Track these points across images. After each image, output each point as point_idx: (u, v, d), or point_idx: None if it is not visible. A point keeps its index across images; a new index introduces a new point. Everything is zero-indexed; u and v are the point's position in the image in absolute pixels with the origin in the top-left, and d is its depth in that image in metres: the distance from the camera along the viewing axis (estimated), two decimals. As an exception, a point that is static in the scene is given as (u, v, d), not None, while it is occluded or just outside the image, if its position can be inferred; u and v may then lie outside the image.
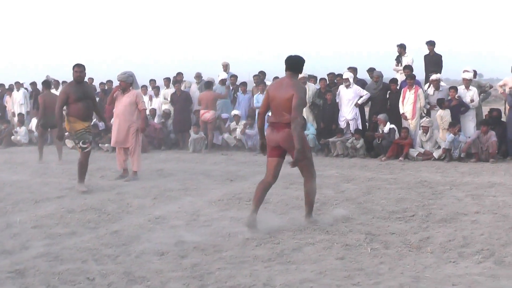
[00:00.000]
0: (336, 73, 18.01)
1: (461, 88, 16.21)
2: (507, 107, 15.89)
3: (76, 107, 11.20)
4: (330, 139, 16.51)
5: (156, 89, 20.97)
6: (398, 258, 6.59)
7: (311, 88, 17.46)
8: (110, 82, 21.56)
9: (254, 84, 19.31)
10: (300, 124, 7.76)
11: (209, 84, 19.00)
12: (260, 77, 19.22)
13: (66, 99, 11.22)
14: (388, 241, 7.26)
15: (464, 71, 16.38)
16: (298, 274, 6.08)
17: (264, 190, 8.30)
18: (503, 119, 16.04)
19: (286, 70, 8.05)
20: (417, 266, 6.29)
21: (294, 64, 8.04)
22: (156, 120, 19.71)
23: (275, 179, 8.40)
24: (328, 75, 18.21)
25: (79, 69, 11.32)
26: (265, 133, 8.34)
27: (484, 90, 17.14)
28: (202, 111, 18.52)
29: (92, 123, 12.42)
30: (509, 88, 15.72)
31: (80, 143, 11.33)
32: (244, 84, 19.56)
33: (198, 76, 20.42)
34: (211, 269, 6.30)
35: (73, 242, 7.48)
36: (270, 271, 6.18)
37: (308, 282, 5.81)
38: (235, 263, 6.53)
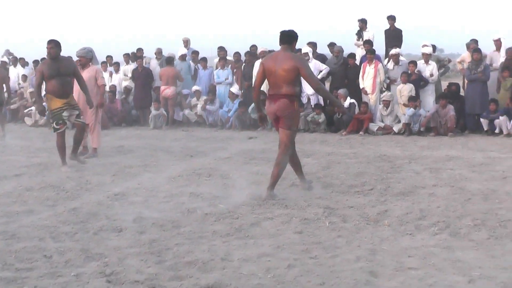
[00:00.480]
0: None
1: (421, 63, 16.33)
2: (466, 81, 16.03)
3: (50, 84, 10.94)
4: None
5: (116, 65, 20.74)
6: (356, 231, 6.65)
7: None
8: (69, 57, 21.30)
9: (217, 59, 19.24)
10: (323, 86, 8.69)
11: (170, 60, 18.87)
12: (221, 53, 19.15)
13: (42, 77, 11.00)
14: (346, 215, 7.31)
15: (423, 45, 16.49)
16: (256, 248, 6.10)
17: (293, 161, 8.84)
18: (462, 93, 16.19)
19: (280, 44, 8.41)
20: (374, 239, 6.35)
21: (288, 37, 8.41)
22: (116, 96, 19.50)
23: (292, 145, 8.71)
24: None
25: (50, 45, 11.01)
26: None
27: (443, 65, 17.31)
28: (162, 87, 18.41)
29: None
30: (467, 63, 15.85)
31: (54, 123, 11.08)
32: (204, 59, 19.43)
33: (159, 52, 20.24)
34: (169, 244, 6.28)
35: (31, 220, 7.40)
36: (228, 246, 6.19)
37: (266, 256, 5.83)
38: (194, 238, 6.52)
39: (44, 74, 10.94)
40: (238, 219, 7.27)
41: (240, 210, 7.69)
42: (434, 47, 17.24)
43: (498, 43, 15.98)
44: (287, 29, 8.54)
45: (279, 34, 8.46)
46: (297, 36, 8.56)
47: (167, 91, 18.28)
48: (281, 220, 7.14)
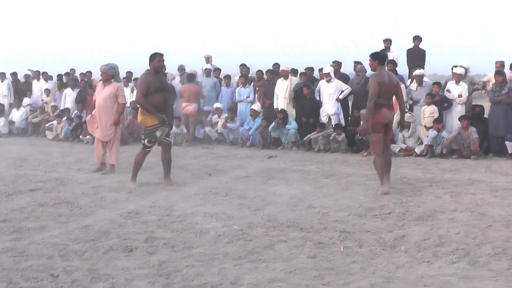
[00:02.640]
0: (318, 68, 17.83)
1: (451, 83, 16.09)
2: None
3: (154, 98, 10.57)
4: (312, 136, 16.32)
5: (136, 81, 20.63)
6: (371, 257, 6.48)
7: (293, 81, 17.32)
8: (89, 72, 21.40)
9: (239, 77, 19.17)
10: None
11: (191, 77, 18.81)
12: (243, 70, 19.10)
13: (147, 89, 10.56)
14: (362, 239, 7.15)
15: (455, 66, 16.27)
16: (268, 273, 5.96)
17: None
18: (486, 115, 15.95)
19: (379, 64, 10.14)
20: (389, 265, 6.18)
21: (384, 58, 10.48)
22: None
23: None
24: (306, 69, 18.03)
25: (161, 57, 10.72)
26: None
27: (476, 89, 17.09)
28: (184, 104, 18.33)
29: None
30: (492, 84, 15.62)
31: (146, 141, 10.97)
32: (227, 77, 19.32)
33: (181, 69, 20.17)
34: (179, 266, 6.16)
35: (41, 237, 7.32)
36: (239, 270, 6.05)
37: (277, 282, 5.69)
38: (204, 260, 6.39)
39: (151, 87, 10.55)
40: (252, 241, 7.14)
41: (254, 231, 7.56)
42: (467, 69, 16.91)
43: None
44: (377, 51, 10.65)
45: (380, 55, 10.34)
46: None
47: (188, 108, 18.20)
48: (295, 244, 6.98)
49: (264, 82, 18.24)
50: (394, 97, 10.43)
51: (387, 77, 10.06)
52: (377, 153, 10.14)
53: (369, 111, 9.95)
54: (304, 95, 16.89)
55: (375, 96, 9.84)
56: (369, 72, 16.77)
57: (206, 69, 19.37)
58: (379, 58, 10.17)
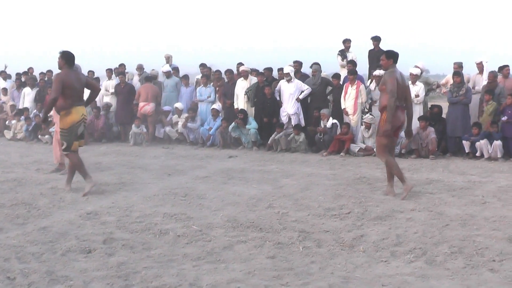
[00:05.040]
0: (278, 68, 17.89)
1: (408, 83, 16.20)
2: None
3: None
4: (275, 137, 16.31)
5: (97, 81, 20.40)
6: (330, 257, 6.51)
7: (253, 81, 17.34)
8: (50, 72, 21.13)
9: (199, 76, 19.14)
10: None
11: (149, 77, 18.77)
12: (204, 70, 19.09)
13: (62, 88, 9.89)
14: (321, 240, 7.17)
15: (415, 66, 16.41)
16: (227, 273, 5.94)
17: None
18: (444, 115, 16.12)
19: (393, 63, 9.76)
20: (348, 265, 6.21)
21: (398, 57, 9.81)
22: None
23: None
24: (264, 69, 18.06)
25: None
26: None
27: (432, 89, 17.25)
28: (141, 104, 18.24)
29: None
30: (450, 85, 15.81)
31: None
32: (186, 77, 19.25)
33: (140, 68, 20.10)
34: (138, 268, 6.12)
35: (-2, 239, 7.22)
36: (198, 271, 6.03)
37: (236, 282, 5.68)
38: (163, 261, 6.36)
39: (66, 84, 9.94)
40: (211, 241, 7.13)
41: (213, 232, 7.54)
42: (422, 69, 17.07)
43: (480, 66, 15.95)
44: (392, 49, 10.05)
45: (394, 54, 9.83)
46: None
47: (146, 107, 18.13)
48: (254, 244, 6.98)
49: (223, 82, 18.22)
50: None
51: (400, 76, 9.79)
52: (384, 155, 9.93)
53: (391, 109, 9.51)
54: (265, 95, 16.89)
55: (395, 93, 9.47)
56: (329, 72, 16.94)
57: (166, 71, 19.25)
58: (394, 56, 9.80)
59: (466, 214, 8.54)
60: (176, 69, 19.78)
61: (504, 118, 14.66)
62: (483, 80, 15.76)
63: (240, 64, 18.47)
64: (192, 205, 9.18)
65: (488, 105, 15.00)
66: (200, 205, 9.16)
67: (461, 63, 16.60)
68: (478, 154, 14.60)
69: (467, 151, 14.78)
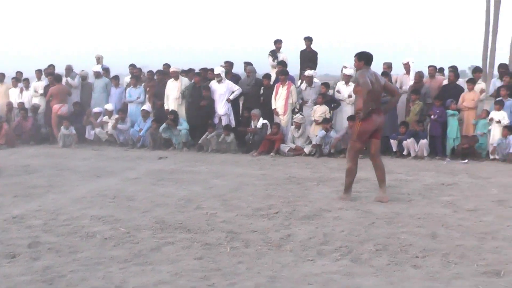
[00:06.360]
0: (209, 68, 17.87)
1: (341, 84, 16.40)
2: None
3: None
4: (207, 137, 16.27)
5: (26, 82, 19.97)
6: (257, 257, 6.54)
7: (183, 82, 17.27)
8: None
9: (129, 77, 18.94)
10: None
11: (58, 77, 18.55)
12: (133, 71, 18.93)
13: None
14: (249, 240, 7.20)
15: (344, 67, 16.61)
16: (154, 275, 5.92)
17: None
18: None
19: (365, 64, 9.49)
20: (275, 265, 6.25)
21: (371, 58, 9.58)
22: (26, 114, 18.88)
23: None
24: (200, 70, 18.05)
25: None
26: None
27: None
28: (56, 106, 18.02)
29: None
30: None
31: None
32: (116, 77, 19.04)
33: (69, 69, 19.75)
34: (64, 271, 6.03)
35: None
36: (125, 273, 5.99)
37: (163, 284, 5.67)
38: (90, 264, 6.29)
39: None
40: (138, 243, 7.08)
41: (141, 234, 7.50)
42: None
43: (407, 67, 16.23)
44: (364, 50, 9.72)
45: (365, 55, 9.57)
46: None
47: (63, 109, 17.97)
48: (182, 245, 6.97)
49: (154, 82, 18.10)
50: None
51: (374, 77, 9.47)
52: (353, 161, 9.71)
53: (365, 99, 9.23)
54: (201, 95, 16.83)
55: (368, 84, 9.14)
56: (261, 72, 17.02)
57: (95, 72, 19.00)
58: (365, 58, 9.56)
59: (392, 212, 8.71)
60: (106, 70, 19.53)
61: (433, 117, 14.96)
62: (410, 80, 16.05)
63: (167, 65, 18.36)
64: (121, 207, 9.10)
65: (415, 105, 15.28)
66: (129, 207, 9.10)
67: (390, 63, 16.88)
68: (405, 152, 14.90)
69: (394, 150, 15.07)
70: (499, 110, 14.63)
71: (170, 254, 6.68)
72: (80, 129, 18.17)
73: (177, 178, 11.78)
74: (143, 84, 18.36)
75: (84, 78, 19.16)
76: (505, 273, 6.00)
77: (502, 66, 16.70)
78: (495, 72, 18.07)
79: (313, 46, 18.69)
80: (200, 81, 17.23)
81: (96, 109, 18.33)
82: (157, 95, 17.77)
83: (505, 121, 14.43)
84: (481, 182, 11.38)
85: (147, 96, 18.12)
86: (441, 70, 17.23)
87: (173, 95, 17.20)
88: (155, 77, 18.21)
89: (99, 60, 20.07)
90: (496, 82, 16.14)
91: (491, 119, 14.65)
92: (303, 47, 18.69)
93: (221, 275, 5.93)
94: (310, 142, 15.62)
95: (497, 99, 14.99)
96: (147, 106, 17.66)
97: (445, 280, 5.79)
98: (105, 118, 18.15)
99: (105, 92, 18.86)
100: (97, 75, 18.93)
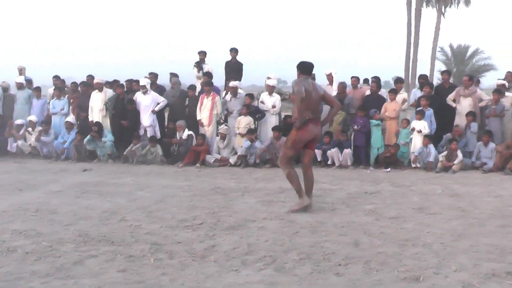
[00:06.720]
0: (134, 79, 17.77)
1: (265, 94, 16.52)
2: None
3: None
4: (133, 149, 16.17)
5: None
6: (181, 268, 6.53)
7: (108, 93, 17.12)
8: None
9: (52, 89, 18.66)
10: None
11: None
12: (57, 82, 18.68)
13: None
14: (173, 251, 7.19)
15: (268, 77, 16.73)
16: (76, 289, 5.86)
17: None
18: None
19: (301, 74, 9.53)
20: (199, 276, 6.26)
21: (309, 68, 9.64)
22: None
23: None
24: (126, 81, 17.94)
25: None
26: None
27: (284, 98, 17.61)
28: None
29: None
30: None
31: None
32: (38, 89, 18.73)
33: (-12, 80, 19.38)
34: (-17, 288, 5.92)
35: None
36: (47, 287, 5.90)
37: (85, 298, 5.61)
38: (10, 280, 6.17)
39: None
40: (61, 257, 6.98)
41: (64, 247, 7.39)
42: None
43: (330, 77, 16.42)
44: (305, 60, 9.70)
45: (302, 64, 9.58)
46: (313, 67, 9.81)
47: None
48: (105, 258, 6.91)
49: (78, 94, 17.89)
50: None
51: (312, 86, 9.45)
52: (288, 166, 9.56)
53: (299, 107, 9.36)
54: (124, 106, 16.73)
55: (302, 92, 9.09)
56: (186, 83, 17.01)
57: (18, 83, 18.66)
58: (300, 67, 9.55)
59: (316, 221, 8.81)
60: (29, 81, 19.21)
61: (356, 127, 15.20)
62: (333, 91, 16.25)
63: (91, 76, 18.18)
64: (43, 221, 8.96)
65: (338, 115, 15.49)
66: (51, 220, 8.96)
67: (314, 74, 17.06)
68: (329, 162, 15.09)
69: (319, 159, 15.22)
70: (420, 119, 14.97)
71: (93, 267, 6.61)
72: (1, 142, 17.84)
73: (102, 190, 11.67)
74: (67, 95, 18.13)
75: (5, 89, 18.81)
76: (424, 278, 6.14)
77: (422, 77, 17.18)
78: (417, 82, 18.48)
79: (238, 58, 18.81)
80: (123, 93, 17.15)
81: (18, 121, 17.99)
82: (81, 107, 17.58)
83: (426, 130, 14.77)
84: (403, 190, 11.60)
85: (71, 107, 17.91)
86: (366, 81, 17.55)
87: (97, 107, 17.03)
88: (79, 88, 17.99)
89: (21, 71, 19.72)
90: (416, 92, 16.52)
91: (413, 129, 14.97)
92: (229, 58, 18.79)
93: (145, 287, 5.90)
94: (236, 153, 15.69)
95: (418, 109, 15.34)
96: (71, 118, 17.45)
97: (367, 287, 5.90)
98: (29, 129, 17.80)
99: (28, 103, 18.53)
100: (19, 86, 18.58)
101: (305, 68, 9.60)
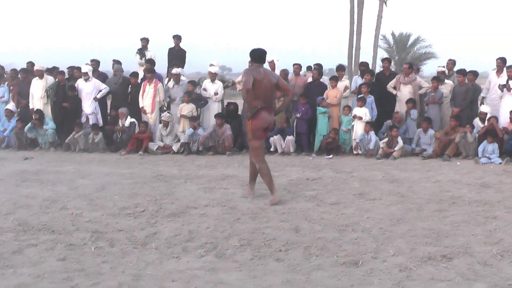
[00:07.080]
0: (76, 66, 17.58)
1: (207, 81, 16.50)
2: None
3: None
4: (75, 136, 16.01)
5: None
6: (122, 256, 6.54)
7: (48, 81, 16.90)
8: None
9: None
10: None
11: None
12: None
13: None
14: (114, 239, 7.19)
15: (211, 64, 16.71)
16: (15, 278, 5.83)
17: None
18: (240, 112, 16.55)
19: (254, 62, 9.31)
20: (139, 263, 6.28)
21: (260, 56, 9.36)
22: None
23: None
24: (67, 68, 17.75)
25: None
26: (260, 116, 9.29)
27: (227, 86, 17.64)
28: None
29: None
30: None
31: None
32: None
33: None
34: None
35: None
36: (-16, 278, 5.86)
37: (24, 287, 5.58)
38: None
39: None
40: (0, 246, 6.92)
41: (2, 237, 7.33)
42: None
43: (272, 65, 16.44)
44: (257, 47, 9.42)
45: (252, 52, 9.32)
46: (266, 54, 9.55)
47: None
48: (45, 247, 6.88)
49: (18, 81, 17.62)
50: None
51: (263, 74, 9.22)
52: (260, 160, 9.51)
53: (245, 98, 9.37)
54: (66, 94, 16.55)
55: (248, 83, 8.95)
56: (129, 70, 16.87)
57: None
58: (252, 56, 9.33)
59: (257, 207, 8.90)
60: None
61: (298, 115, 15.32)
62: (275, 78, 16.33)
63: (31, 63, 17.92)
64: (-19, 211, 8.85)
65: (279, 102, 15.57)
66: (-8, 209, 8.87)
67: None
68: (272, 149, 15.18)
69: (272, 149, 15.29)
70: (361, 106, 15.15)
71: (33, 256, 6.58)
72: None
73: (42, 178, 11.55)
74: (7, 82, 17.85)
75: None
76: (363, 262, 6.27)
77: (363, 64, 17.38)
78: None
79: (181, 45, 18.75)
80: (64, 80, 16.96)
81: (-43, 110, 17.67)
82: (21, 94, 17.32)
83: (367, 117, 14.96)
84: (344, 176, 11.74)
85: (11, 95, 17.64)
86: (309, 68, 17.68)
87: (38, 94, 16.77)
88: (19, 75, 17.70)
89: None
90: (357, 80, 16.67)
91: (354, 116, 15.15)
92: (172, 45, 18.72)
93: (85, 275, 5.90)
94: (179, 140, 15.66)
95: (359, 96, 15.52)
96: (11, 106, 17.19)
97: (306, 272, 5.99)
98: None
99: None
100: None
101: (256, 57, 9.35)
